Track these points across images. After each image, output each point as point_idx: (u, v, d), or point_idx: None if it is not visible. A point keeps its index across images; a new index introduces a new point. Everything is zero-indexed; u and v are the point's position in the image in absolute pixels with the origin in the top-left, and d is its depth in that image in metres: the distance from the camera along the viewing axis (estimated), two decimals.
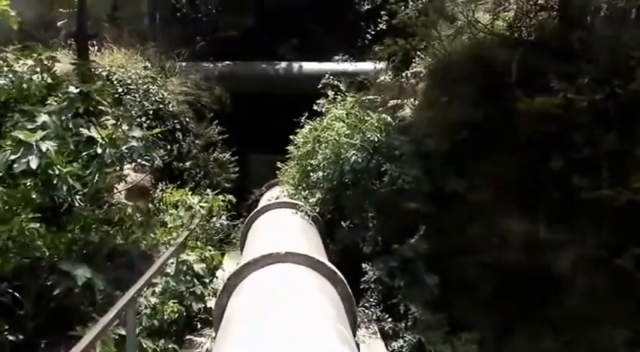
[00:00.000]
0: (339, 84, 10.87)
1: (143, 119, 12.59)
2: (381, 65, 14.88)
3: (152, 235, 7.46)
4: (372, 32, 17.67)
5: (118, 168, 8.40)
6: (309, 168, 10.36)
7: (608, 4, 10.38)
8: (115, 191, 9.40)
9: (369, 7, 17.96)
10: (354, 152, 9.07)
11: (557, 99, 8.96)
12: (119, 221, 7.47)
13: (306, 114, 11.35)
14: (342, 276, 6.20)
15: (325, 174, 9.52)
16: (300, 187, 10.66)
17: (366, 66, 15.35)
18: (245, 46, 17.25)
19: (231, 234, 12.56)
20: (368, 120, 9.23)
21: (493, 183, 10.15)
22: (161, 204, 10.31)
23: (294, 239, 7.88)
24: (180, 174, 13.29)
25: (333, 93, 10.73)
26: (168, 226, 9.13)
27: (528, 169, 9.85)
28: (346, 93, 10.69)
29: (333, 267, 6.25)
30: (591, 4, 10.56)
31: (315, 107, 11.12)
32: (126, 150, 7.18)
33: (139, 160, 7.46)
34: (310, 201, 9.67)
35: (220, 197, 10.07)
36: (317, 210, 9.74)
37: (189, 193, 10.32)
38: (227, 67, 16.25)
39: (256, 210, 10.36)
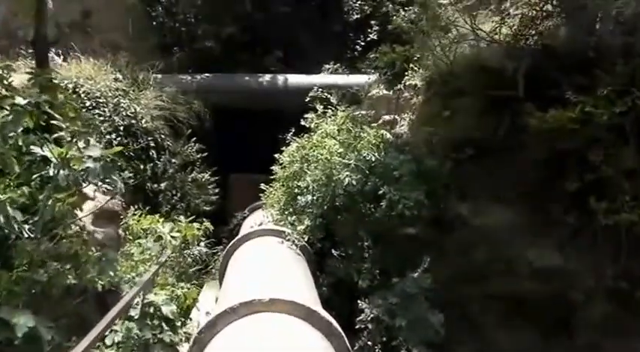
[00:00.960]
0: (329, 96, 9.95)
1: (113, 136, 11.70)
2: (373, 77, 14.09)
3: (112, 273, 6.41)
4: (362, 43, 17.19)
5: (75, 192, 7.34)
6: (296, 190, 9.47)
7: (618, 11, 9.68)
8: (76, 218, 8.32)
9: (358, 16, 17.46)
10: (347, 173, 8.17)
11: (573, 113, 8.09)
12: (74, 255, 6.42)
13: (293, 130, 10.45)
14: (339, 329, 5.23)
15: (315, 197, 8.61)
16: (286, 212, 9.75)
17: (357, 78, 14.68)
18: (226, 57, 16.42)
19: (209, 263, 11.60)
20: (364, 137, 8.30)
21: (500, 206, 9.34)
22: (127, 232, 9.24)
23: (279, 277, 6.98)
24: (154, 196, 12.39)
25: (322, 107, 9.81)
26: (135, 259, 8.11)
27: (539, 190, 9.04)
28: (337, 107, 9.76)
29: (329, 317, 5.27)
30: (600, 10, 9.83)
31: (302, 122, 10.17)
32: (82, 172, 6.17)
33: (98, 183, 6.39)
34: (298, 228, 8.71)
35: (196, 225, 9.02)
36: (305, 239, 8.76)
37: (161, 220, 9.29)
38: (206, 79, 15.30)
39: (238, 237, 9.41)
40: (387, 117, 12.62)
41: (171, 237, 7.92)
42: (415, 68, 12.09)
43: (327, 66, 15.64)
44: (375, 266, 8.19)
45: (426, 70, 11.87)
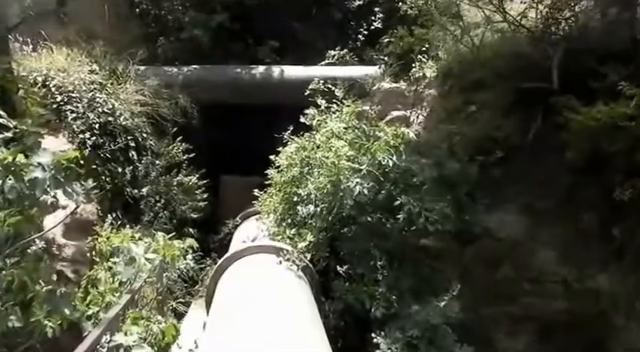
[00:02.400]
0: (333, 89, 8.77)
1: (87, 135, 10.41)
2: (379, 69, 12.96)
3: (68, 311, 5.14)
4: (365, 32, 15.99)
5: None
6: (295, 198, 8.29)
7: None
8: (32, 236, 7.10)
9: (360, 2, 16.26)
10: (358, 180, 6.95)
11: (628, 108, 6.92)
12: (19, 290, 5.14)
13: (291, 128, 9.27)
14: None
15: (319, 209, 7.40)
16: (284, 223, 8.58)
17: (361, 70, 13.55)
18: (216, 47, 15.25)
19: (197, 280, 10.44)
20: (379, 137, 7.06)
21: (531, 216, 8.21)
22: (94, 252, 8.03)
23: (277, 319, 5.78)
24: (135, 203, 11.17)
25: (324, 101, 8.60)
26: (100, 289, 6.87)
27: (575, 198, 7.90)
28: (343, 102, 8.56)
29: None
30: None
31: (302, 120, 8.97)
32: (27, 184, 4.96)
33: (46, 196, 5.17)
34: (299, 245, 7.47)
35: (177, 243, 7.76)
36: (308, 257, 7.55)
37: (137, 235, 8.03)
38: (194, 71, 14.04)
39: (228, 255, 8.17)
40: (396, 114, 11.49)
41: (146, 259, 6.67)
42: (424, 58, 11.07)
43: (329, 55, 14.25)
44: (390, 290, 7.02)
45: (440, 59, 11.01)
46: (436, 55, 11.34)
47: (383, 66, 12.95)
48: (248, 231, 9.81)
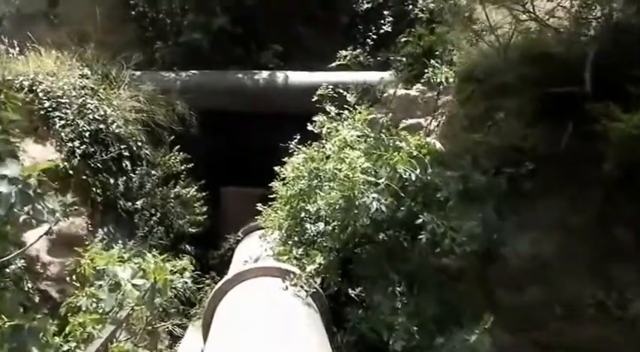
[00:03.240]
0: (345, 94, 8.06)
1: (76, 143, 9.82)
2: (392, 74, 12.28)
3: (35, 350, 4.35)
4: (374, 36, 15.28)
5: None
6: (303, 214, 7.53)
7: None
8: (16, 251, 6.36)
9: (368, 5, 15.58)
10: (374, 195, 6.19)
11: None
12: None
13: (298, 136, 8.51)
14: None
15: (330, 227, 6.64)
16: (290, 241, 7.81)
17: (370, 75, 12.79)
18: (216, 52, 14.43)
19: (194, 301, 9.73)
20: (400, 148, 6.29)
21: (562, 233, 7.43)
22: (75, 276, 7.28)
23: (282, 349, 5.00)
24: (129, 216, 10.56)
25: (335, 108, 7.87)
26: (80, 320, 6.09)
27: (616, 214, 7.17)
28: (355, 107, 7.84)
29: None
30: None
31: (310, 127, 8.23)
32: None
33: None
34: (308, 268, 6.68)
35: (169, 266, 6.96)
36: (318, 281, 6.77)
37: (127, 256, 7.24)
38: (192, 77, 13.33)
39: (228, 278, 7.39)
40: (410, 122, 10.78)
41: (133, 285, 5.88)
42: (438, 63, 10.37)
43: (340, 56, 13.51)
44: (411, 319, 6.22)
45: (454, 64, 10.20)
46: (451, 59, 10.70)
47: (395, 71, 12.27)
48: (250, 249, 9.07)
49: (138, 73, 12.39)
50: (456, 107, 9.46)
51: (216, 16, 14.40)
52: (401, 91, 11.82)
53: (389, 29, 14.75)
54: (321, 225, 7.01)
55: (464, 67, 9.61)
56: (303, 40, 15.33)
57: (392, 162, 6.14)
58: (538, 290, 7.36)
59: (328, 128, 7.58)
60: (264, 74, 13.63)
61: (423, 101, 11.45)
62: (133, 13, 14.64)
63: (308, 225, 7.17)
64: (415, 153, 6.03)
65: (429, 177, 6.14)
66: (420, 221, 6.24)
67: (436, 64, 10.23)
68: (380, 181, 6.18)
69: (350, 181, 6.31)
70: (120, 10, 14.70)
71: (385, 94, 12.13)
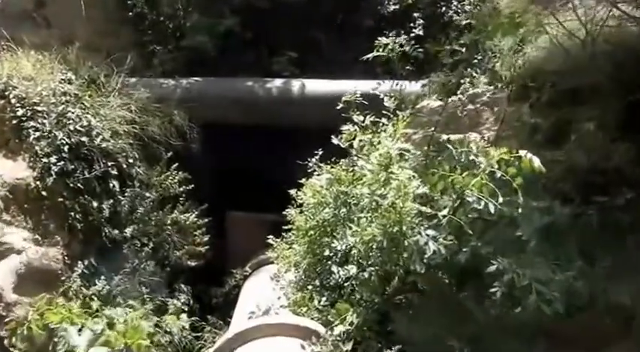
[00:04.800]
0: (385, 99, 6.54)
1: (53, 159, 8.44)
2: (423, 83, 10.80)
3: None
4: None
5: None
6: (327, 252, 5.92)
7: None
8: None
9: (396, 7, 14.03)
10: (431, 232, 4.54)
11: None
12: None
13: (320, 152, 7.01)
14: None
15: (367, 273, 5.00)
16: (310, 286, 6.19)
17: (408, 86, 11.08)
18: (223, 58, 12.94)
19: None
20: (477, 165, 4.56)
21: None
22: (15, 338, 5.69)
23: None
24: (115, 247, 9.09)
25: (368, 116, 6.28)
26: None
27: None
28: (396, 115, 6.27)
29: None
30: None
31: (334, 141, 6.64)
32: None
33: None
34: (337, 330, 5.00)
35: (146, 325, 5.29)
36: (349, 346, 5.07)
37: (94, 308, 5.61)
38: (194, 84, 11.74)
39: (230, 336, 5.73)
40: (447, 137, 9.22)
41: None
42: (477, 71, 9.10)
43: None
44: None
45: (496, 73, 9.08)
46: (493, 67, 9.48)
47: (430, 80, 10.85)
48: (259, 293, 7.55)
49: (132, 79, 10.92)
50: (513, 118, 7.89)
51: (223, 17, 12.91)
52: (437, 103, 10.35)
53: (420, 33, 13.14)
54: (352, 269, 5.40)
55: (522, 71, 8.17)
56: (321, 46, 13.80)
57: (459, 185, 4.47)
58: None
59: (361, 140, 5.93)
60: (278, 82, 12.05)
61: (464, 113, 9.99)
62: (131, 14, 13.11)
63: (334, 267, 5.52)
64: (499, 173, 4.33)
65: (504, 208, 4.46)
66: (492, 268, 4.57)
67: (475, 73, 9.03)
68: (441, 213, 4.52)
69: (396, 212, 4.66)
70: (116, 11, 13.20)
71: (417, 106, 10.61)
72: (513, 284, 4.55)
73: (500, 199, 4.31)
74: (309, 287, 6.31)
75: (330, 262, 6.18)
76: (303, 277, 6.59)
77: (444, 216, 4.52)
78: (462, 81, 9.27)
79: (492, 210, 4.32)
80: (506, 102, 8.64)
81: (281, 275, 7.19)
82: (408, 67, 12.07)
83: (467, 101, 9.86)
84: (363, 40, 13.65)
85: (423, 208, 4.69)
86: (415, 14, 13.74)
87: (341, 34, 13.87)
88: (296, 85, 11.93)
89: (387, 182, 5.01)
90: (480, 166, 4.43)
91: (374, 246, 5.01)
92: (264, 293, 7.28)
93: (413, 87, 10.84)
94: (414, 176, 4.77)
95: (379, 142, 5.80)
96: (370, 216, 5.13)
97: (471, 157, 4.61)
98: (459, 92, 9.49)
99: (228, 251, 11.92)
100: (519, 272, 4.49)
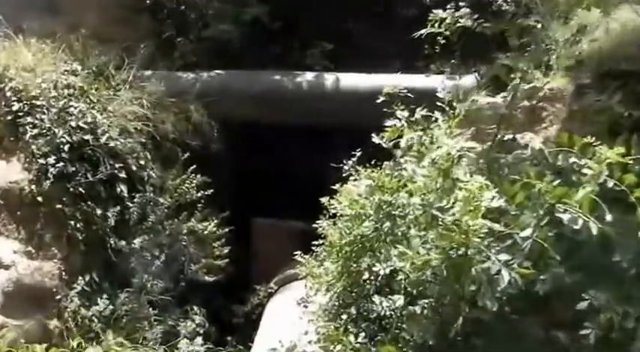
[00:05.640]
0: (439, 89, 5.57)
1: (51, 159, 7.68)
2: (467, 79, 10.10)
3: None
4: (447, 32, 12.78)
5: None
6: (367, 275, 4.91)
7: None
8: None
9: None
10: (505, 257, 3.50)
11: None
12: None
13: (358, 153, 6.14)
14: None
15: (418, 307, 3.98)
16: (345, 314, 5.19)
17: (444, 81, 10.27)
18: (249, 50, 12.07)
19: None
20: (584, 173, 3.47)
21: None
22: None
23: None
24: (122, 260, 8.21)
25: (419, 109, 5.25)
26: None
27: None
28: (452, 108, 5.27)
29: None
30: None
31: (375, 140, 5.61)
32: None
33: None
34: None
35: None
36: None
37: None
38: (216, 78, 10.88)
39: None
40: (512, 136, 8.49)
41: None
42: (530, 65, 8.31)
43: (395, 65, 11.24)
44: None
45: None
46: (548, 59, 8.67)
47: (477, 74, 10.22)
48: (284, 320, 6.53)
49: (147, 72, 10.15)
50: (584, 113, 6.90)
51: (250, 5, 12.05)
52: (486, 100, 9.51)
53: (467, 23, 12.16)
54: (398, 300, 4.34)
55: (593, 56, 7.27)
56: (357, 37, 12.93)
57: (550, 197, 3.41)
58: None
59: (410, 139, 4.90)
60: (309, 76, 11.14)
61: (518, 110, 9.20)
62: (148, 1, 12.29)
63: (377, 299, 4.50)
64: (611, 182, 3.26)
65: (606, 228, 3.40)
66: (584, 305, 3.53)
67: (526, 68, 8.23)
68: (523, 234, 3.48)
69: (462, 231, 3.62)
70: None
71: (465, 103, 9.73)
72: (612, 326, 3.52)
73: (609, 217, 3.25)
74: (344, 316, 5.30)
75: (369, 286, 5.20)
76: (336, 303, 5.58)
77: (526, 238, 3.48)
78: (512, 76, 8.61)
79: (595, 231, 3.27)
80: (572, 96, 7.91)
81: (310, 298, 6.21)
82: (453, 61, 11.41)
83: (522, 96, 9.18)
84: (404, 31, 12.92)
85: (497, 226, 3.64)
86: (461, 3, 12.81)
87: (378, 24, 13.03)
88: (329, 78, 11.05)
89: (447, 191, 3.97)
90: (586, 172, 3.37)
91: (428, 273, 3.98)
92: (289, 320, 6.32)
93: (460, 81, 10.16)
94: (486, 185, 3.71)
95: (432, 141, 4.75)
96: (425, 234, 4.09)
97: (572, 159, 3.53)
98: (510, 85, 8.87)
99: (251, 263, 11.15)
100: (621, 310, 3.45)
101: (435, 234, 3.84)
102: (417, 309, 4.07)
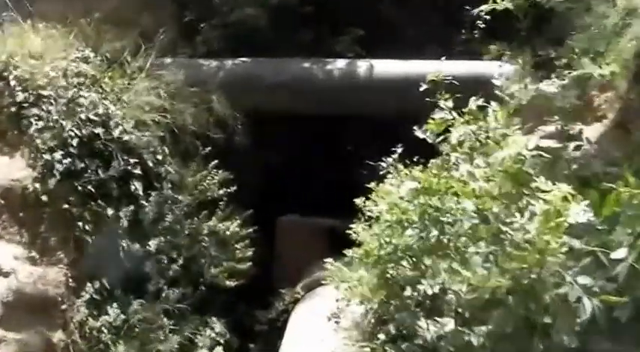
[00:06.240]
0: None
1: (58, 155, 7.20)
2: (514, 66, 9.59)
3: None
4: (487, 16, 12.14)
5: None
6: (410, 291, 4.29)
7: None
8: None
9: None
10: (587, 281, 2.83)
11: None
12: None
13: (400, 148, 5.66)
14: None
15: (474, 337, 3.32)
16: (382, 333, 4.62)
17: (490, 67, 9.69)
18: (277, 36, 11.48)
19: None
20: None
21: None
22: None
23: None
24: (136, 264, 7.82)
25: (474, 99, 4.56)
26: None
27: None
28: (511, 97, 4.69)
29: None
30: None
31: (418, 134, 4.95)
32: None
33: None
34: None
35: None
36: None
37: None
38: (240, 66, 10.37)
39: None
40: (547, 130, 7.95)
41: None
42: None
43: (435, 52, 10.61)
44: None
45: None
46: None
47: (521, 61, 9.65)
48: (310, 337, 6.03)
49: (167, 59, 9.67)
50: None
51: None
52: (531, 87, 8.92)
53: (509, 5, 11.52)
54: (448, 324, 3.69)
55: None
56: (391, 23, 12.38)
57: None
58: None
59: (463, 136, 4.21)
60: (341, 63, 10.60)
61: (565, 101, 8.67)
62: None
63: (423, 322, 3.84)
64: None
65: None
66: None
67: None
68: (617, 255, 2.79)
69: (536, 249, 2.93)
70: None
71: (509, 91, 9.18)
72: None
73: None
74: (381, 335, 4.70)
75: (409, 301, 4.57)
76: (372, 319, 4.98)
77: (619, 260, 2.80)
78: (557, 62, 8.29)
79: None
80: (628, 84, 7.33)
81: (342, 311, 5.61)
82: (493, 46, 10.80)
83: (570, 85, 8.61)
84: (440, 16, 12.37)
85: (581, 245, 2.95)
86: None
87: (413, 9, 12.48)
88: (363, 66, 10.50)
89: (513, 198, 3.28)
90: None
91: (487, 296, 3.31)
92: (318, 335, 5.73)
93: (500, 68, 9.60)
94: (572, 194, 3.00)
95: (488, 137, 4.07)
96: (486, 248, 3.39)
97: None
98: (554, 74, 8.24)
99: (276, 263, 10.72)
100: None
101: (501, 253, 3.16)
102: (473, 340, 3.40)
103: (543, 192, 3.10)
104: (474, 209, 3.64)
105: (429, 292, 3.90)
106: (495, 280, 3.02)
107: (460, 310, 3.74)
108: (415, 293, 4.33)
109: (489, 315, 3.37)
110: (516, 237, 2.96)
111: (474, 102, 4.37)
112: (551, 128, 8.16)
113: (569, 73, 7.78)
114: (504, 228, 3.11)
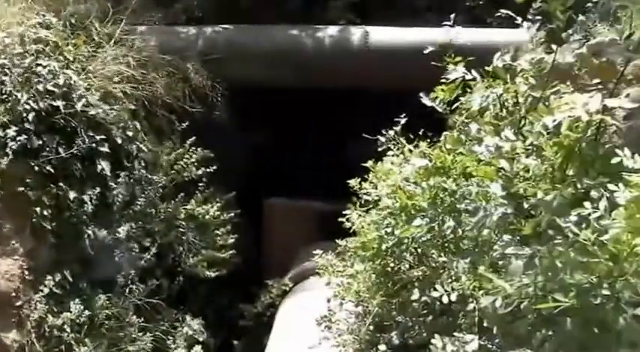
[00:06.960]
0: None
1: (11, 131, 6.48)
2: (525, 33, 8.78)
3: None
4: None
5: None
6: (417, 295, 3.54)
7: None
8: None
9: None
10: None
11: None
12: None
13: (401, 120, 4.84)
14: None
15: None
16: (383, 344, 3.84)
17: (499, 34, 9.00)
18: (263, 2, 10.88)
19: None
20: None
21: None
22: None
23: None
24: (101, 255, 7.17)
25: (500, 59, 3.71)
26: None
27: None
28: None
29: None
30: None
31: (425, 100, 4.19)
32: None
33: None
34: None
35: None
36: None
37: None
38: (222, 33, 9.58)
39: None
40: (573, 97, 7.10)
41: None
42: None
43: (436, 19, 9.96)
44: None
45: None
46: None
47: (533, 28, 8.81)
48: (298, 343, 5.29)
49: (141, 27, 8.84)
50: None
51: None
52: (542, 57, 8.16)
53: None
54: (472, 343, 2.86)
55: None
56: None
57: None
58: None
59: (483, 101, 3.35)
60: (332, 30, 9.84)
61: (583, 71, 7.89)
62: None
63: (439, 341, 3.00)
64: None
65: None
66: None
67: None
68: None
69: (612, 255, 2.08)
70: None
71: (520, 60, 8.36)
72: None
73: None
74: (382, 347, 3.90)
75: (416, 305, 3.76)
76: (371, 326, 4.18)
77: None
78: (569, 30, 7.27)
79: None
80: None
81: (333, 316, 4.80)
82: (498, 13, 10.06)
83: (586, 53, 7.85)
84: None
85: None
86: None
87: None
88: (356, 33, 9.76)
89: (566, 183, 2.41)
90: None
91: (530, 316, 2.45)
92: (306, 340, 4.96)
93: (509, 36, 8.85)
94: None
95: (516, 103, 3.22)
96: (524, 253, 2.52)
97: None
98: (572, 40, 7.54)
99: (263, 251, 10.24)
100: None
101: (564, 257, 2.28)
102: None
103: (629, 172, 2.23)
104: (501, 191, 2.79)
105: (445, 300, 3.06)
106: (553, 298, 2.15)
107: (485, 323, 2.90)
108: (426, 299, 3.50)
109: (530, 337, 2.52)
110: (583, 237, 2.11)
111: (499, 60, 3.49)
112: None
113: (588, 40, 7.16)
114: (565, 224, 2.26)
